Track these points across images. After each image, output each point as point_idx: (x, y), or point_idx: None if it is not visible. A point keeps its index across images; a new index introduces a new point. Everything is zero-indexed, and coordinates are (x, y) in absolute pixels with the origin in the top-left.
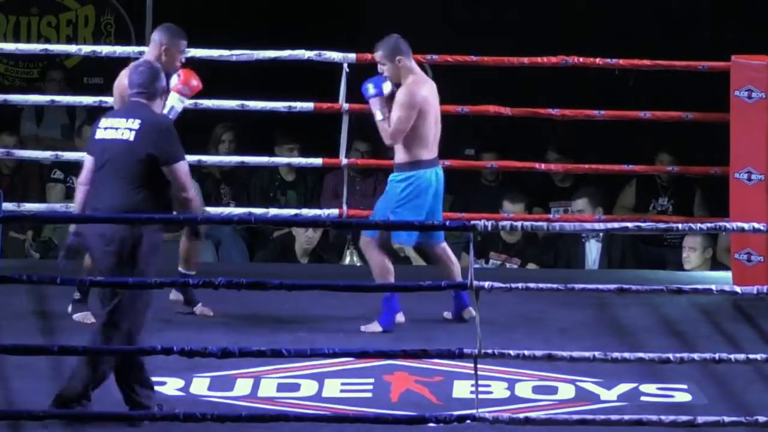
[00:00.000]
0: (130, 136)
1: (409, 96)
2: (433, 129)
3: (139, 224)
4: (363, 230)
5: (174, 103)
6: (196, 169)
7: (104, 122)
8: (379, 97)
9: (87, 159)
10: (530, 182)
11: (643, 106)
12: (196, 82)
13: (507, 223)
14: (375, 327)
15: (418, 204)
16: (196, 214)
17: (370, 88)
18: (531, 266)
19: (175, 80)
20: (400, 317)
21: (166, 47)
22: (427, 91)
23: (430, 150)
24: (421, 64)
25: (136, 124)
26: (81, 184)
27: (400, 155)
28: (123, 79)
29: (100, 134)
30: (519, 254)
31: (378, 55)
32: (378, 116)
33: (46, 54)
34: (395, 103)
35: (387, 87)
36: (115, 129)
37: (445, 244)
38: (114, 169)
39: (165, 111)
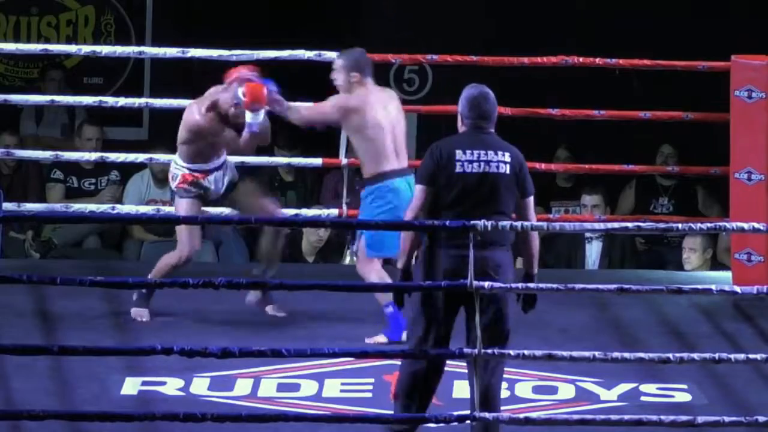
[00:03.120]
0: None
1: (336, 99)
2: (388, 141)
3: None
4: (362, 250)
5: (249, 119)
6: None
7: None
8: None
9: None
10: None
11: (643, 106)
12: (262, 97)
13: (507, 223)
14: (381, 338)
15: (382, 213)
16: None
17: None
18: None
19: (240, 96)
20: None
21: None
22: (373, 104)
23: (391, 161)
24: (420, 65)
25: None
26: None
27: (364, 170)
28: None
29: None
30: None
31: (336, 63)
32: (285, 111)
33: (46, 54)
34: (329, 98)
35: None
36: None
37: None
38: None
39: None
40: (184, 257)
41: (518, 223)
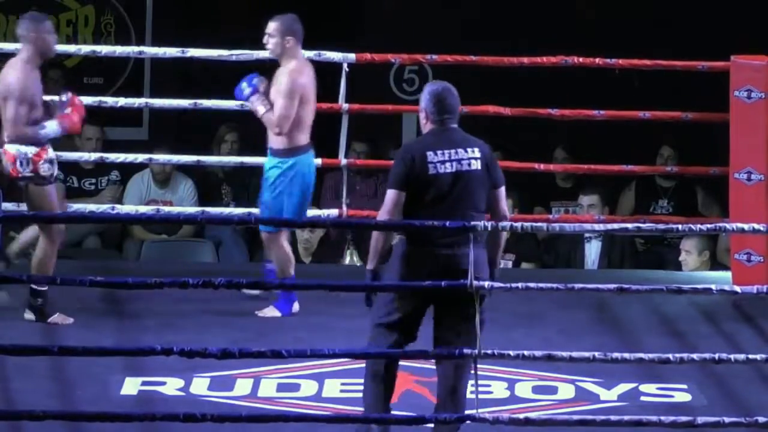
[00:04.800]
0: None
1: (291, 84)
2: (311, 114)
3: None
4: (262, 227)
5: (50, 130)
6: (196, 170)
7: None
8: (256, 94)
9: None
10: (533, 182)
11: (643, 106)
12: (78, 120)
13: (507, 223)
14: (272, 311)
15: (302, 188)
16: None
17: (244, 88)
18: (525, 265)
19: (65, 110)
20: (296, 306)
21: (35, 35)
22: (307, 77)
23: (307, 134)
24: (420, 65)
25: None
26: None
27: (278, 141)
28: None
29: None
30: (510, 250)
31: (270, 26)
32: (260, 111)
33: None
34: (277, 91)
35: (261, 83)
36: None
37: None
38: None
39: (41, 132)
40: (57, 242)
41: (518, 224)
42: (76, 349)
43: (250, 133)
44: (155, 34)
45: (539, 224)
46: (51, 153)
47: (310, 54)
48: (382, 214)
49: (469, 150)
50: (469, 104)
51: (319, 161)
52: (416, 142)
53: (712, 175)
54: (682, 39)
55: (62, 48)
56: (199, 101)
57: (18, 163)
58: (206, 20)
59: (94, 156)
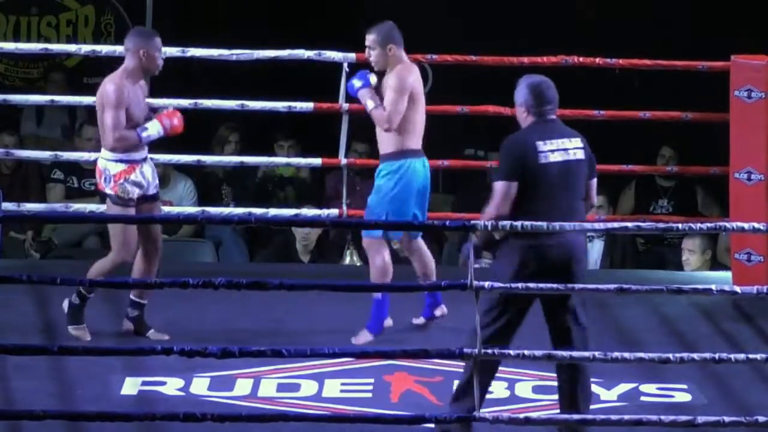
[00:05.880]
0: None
1: (400, 80)
2: (421, 117)
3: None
4: (364, 232)
5: (153, 131)
6: (196, 170)
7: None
8: (368, 87)
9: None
10: None
11: (643, 106)
12: (178, 122)
13: (507, 223)
14: (365, 336)
15: (408, 194)
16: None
17: (356, 83)
18: None
19: (161, 111)
20: (388, 322)
21: (143, 51)
22: (416, 77)
23: (418, 139)
24: (420, 64)
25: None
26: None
27: (388, 144)
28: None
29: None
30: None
31: (369, 38)
32: (370, 105)
33: (46, 54)
34: (387, 87)
35: (373, 78)
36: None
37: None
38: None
39: (143, 135)
40: (119, 262)
41: (518, 224)
42: (76, 349)
43: (250, 133)
44: None
45: (539, 224)
46: (138, 175)
47: (310, 54)
48: (493, 207)
49: (573, 140)
50: (469, 104)
51: (318, 161)
52: (522, 133)
53: (712, 175)
54: (682, 39)
55: (62, 48)
56: (199, 101)
57: (103, 179)
58: (206, 20)
59: (94, 156)
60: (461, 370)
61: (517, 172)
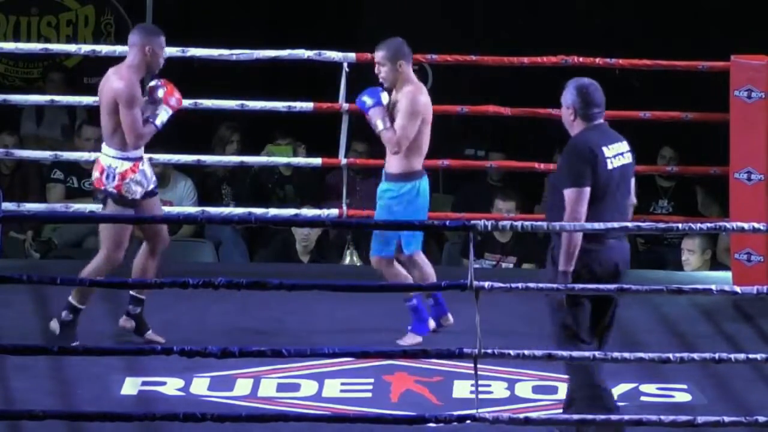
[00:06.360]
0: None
1: (413, 104)
2: (428, 138)
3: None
4: (373, 251)
5: (164, 115)
6: (196, 169)
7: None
8: (379, 107)
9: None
10: (534, 182)
11: (643, 106)
12: (178, 94)
13: (507, 223)
14: (412, 338)
15: (417, 215)
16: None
17: (367, 101)
18: (526, 266)
19: (161, 93)
20: (431, 323)
21: (148, 47)
22: (426, 98)
23: (422, 159)
24: (420, 65)
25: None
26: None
27: (395, 164)
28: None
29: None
30: (511, 253)
31: (379, 55)
32: (379, 125)
33: (46, 54)
34: (400, 110)
35: (385, 97)
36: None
37: (421, 252)
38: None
39: (157, 122)
40: (113, 263)
41: (518, 223)
42: (76, 349)
43: (250, 133)
44: None
45: (539, 224)
46: (140, 173)
47: (310, 54)
48: (574, 215)
49: (623, 143)
50: (469, 104)
51: (319, 161)
52: (585, 138)
53: (712, 175)
54: (682, 39)
55: (62, 48)
56: (199, 101)
57: (105, 175)
58: (206, 20)
59: (94, 156)
60: (461, 370)
61: (587, 178)
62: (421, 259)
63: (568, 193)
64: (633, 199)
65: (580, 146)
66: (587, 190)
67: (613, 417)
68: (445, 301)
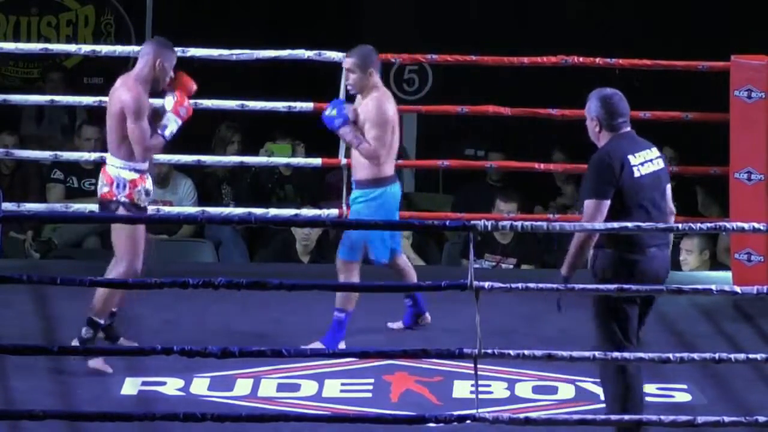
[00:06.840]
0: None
1: (380, 113)
2: (397, 143)
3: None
4: (340, 253)
5: (173, 126)
6: (196, 169)
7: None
8: (348, 126)
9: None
10: (534, 182)
11: (643, 106)
12: (188, 104)
13: (507, 223)
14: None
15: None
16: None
17: (335, 117)
18: (526, 266)
19: (170, 101)
20: (342, 345)
21: (160, 61)
22: (393, 105)
23: (392, 164)
24: (420, 65)
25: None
26: None
27: (365, 171)
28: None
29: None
30: (512, 254)
31: (349, 62)
32: (354, 143)
33: (46, 54)
34: (369, 121)
35: (350, 111)
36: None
37: (403, 255)
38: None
39: (166, 133)
40: (132, 272)
41: (518, 223)
42: (76, 349)
43: (250, 133)
44: (155, 33)
45: (539, 224)
46: (149, 183)
47: (310, 54)
48: (585, 226)
49: (652, 149)
50: (469, 104)
51: (319, 161)
52: (610, 149)
53: (712, 175)
54: (682, 39)
55: (62, 48)
56: (199, 101)
57: (115, 186)
58: (206, 20)
59: (94, 156)
60: (461, 370)
61: (608, 190)
62: (403, 261)
63: (587, 204)
64: (671, 206)
65: (603, 159)
66: (606, 202)
67: (613, 417)
68: (424, 301)
